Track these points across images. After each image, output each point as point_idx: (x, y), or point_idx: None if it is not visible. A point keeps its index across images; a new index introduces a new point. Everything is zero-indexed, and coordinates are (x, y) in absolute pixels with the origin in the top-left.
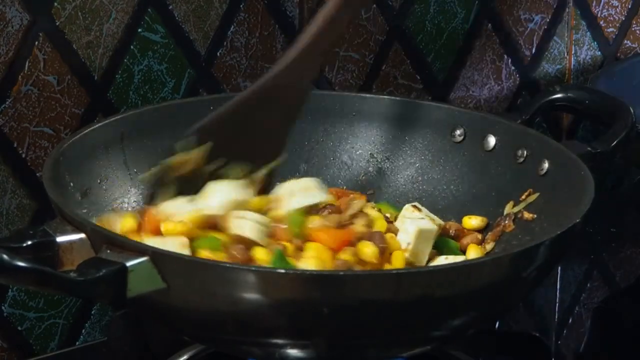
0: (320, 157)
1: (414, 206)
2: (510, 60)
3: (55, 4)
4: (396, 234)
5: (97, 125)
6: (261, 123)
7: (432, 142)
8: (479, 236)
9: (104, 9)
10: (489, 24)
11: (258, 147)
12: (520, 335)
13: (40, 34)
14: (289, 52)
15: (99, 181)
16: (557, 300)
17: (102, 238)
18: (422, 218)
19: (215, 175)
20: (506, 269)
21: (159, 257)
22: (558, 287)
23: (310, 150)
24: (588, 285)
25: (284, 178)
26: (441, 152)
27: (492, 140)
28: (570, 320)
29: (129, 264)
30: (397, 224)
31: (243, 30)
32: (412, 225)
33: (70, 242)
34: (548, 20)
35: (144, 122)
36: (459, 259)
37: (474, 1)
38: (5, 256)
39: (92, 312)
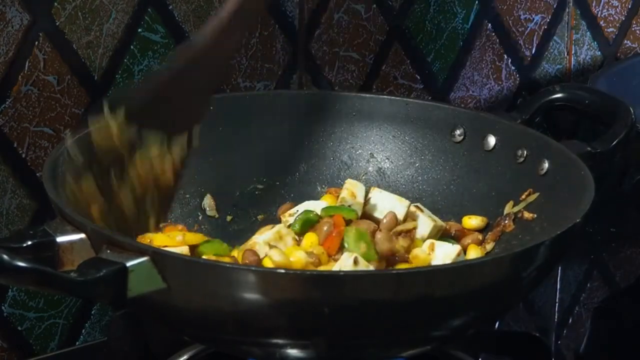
0: (320, 157)
1: (417, 206)
2: (510, 60)
3: (55, 4)
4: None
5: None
6: (180, 92)
7: (432, 142)
8: (480, 236)
9: (104, 9)
10: (489, 24)
11: (176, 115)
12: (520, 335)
13: (40, 34)
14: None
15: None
16: (557, 300)
17: (102, 238)
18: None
19: (134, 150)
20: (506, 269)
21: (159, 257)
22: (558, 287)
23: (310, 150)
24: (588, 285)
25: (285, 177)
26: (441, 152)
27: (492, 140)
28: (570, 320)
29: (129, 264)
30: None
31: None
32: (427, 222)
33: (71, 242)
34: (548, 20)
35: None
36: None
37: (474, 1)
38: (5, 256)
39: (92, 312)
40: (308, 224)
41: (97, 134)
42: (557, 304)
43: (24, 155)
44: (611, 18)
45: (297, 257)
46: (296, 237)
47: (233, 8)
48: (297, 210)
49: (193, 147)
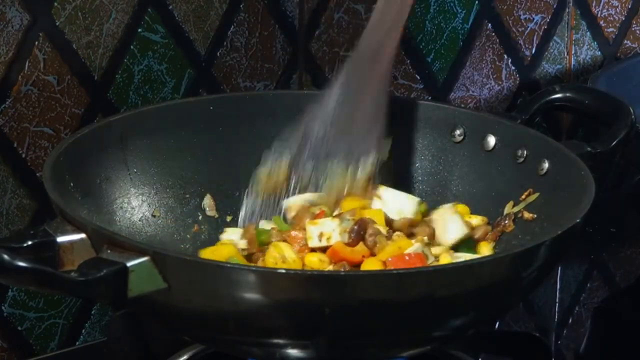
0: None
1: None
2: (510, 60)
3: (55, 4)
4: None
5: (97, 125)
6: (351, 116)
7: (432, 142)
8: (489, 228)
9: (104, 9)
10: (489, 24)
11: (353, 142)
12: (520, 335)
13: (40, 34)
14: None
15: (98, 181)
16: (557, 300)
17: (103, 238)
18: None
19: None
20: (506, 269)
21: (159, 257)
22: (558, 287)
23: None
24: (588, 285)
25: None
26: (441, 152)
27: (492, 140)
28: (570, 320)
29: (129, 264)
30: (435, 221)
31: (243, 30)
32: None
33: (71, 242)
34: (548, 20)
35: (144, 122)
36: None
37: (474, 1)
38: (5, 256)
39: (92, 312)
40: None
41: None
42: (557, 304)
43: (24, 155)
44: (611, 18)
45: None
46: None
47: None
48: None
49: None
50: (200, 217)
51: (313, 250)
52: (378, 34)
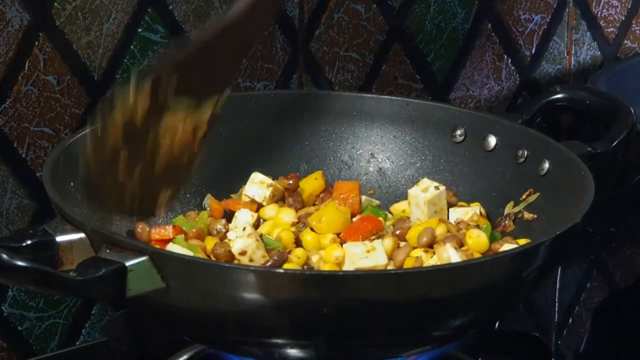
0: (321, 157)
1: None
2: (510, 60)
3: (55, 4)
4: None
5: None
6: (210, 59)
7: (432, 142)
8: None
9: (104, 9)
10: (489, 24)
11: (205, 81)
12: (520, 335)
13: (40, 34)
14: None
15: None
16: (557, 300)
17: (102, 238)
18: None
19: (157, 120)
20: (506, 269)
21: (158, 257)
22: (558, 287)
23: (310, 150)
24: (588, 285)
25: (286, 178)
26: (442, 152)
27: (492, 141)
28: (570, 320)
29: (128, 263)
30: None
31: None
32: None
33: (70, 242)
34: (548, 20)
35: None
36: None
37: (474, 1)
38: (5, 256)
39: (92, 312)
40: None
41: (121, 108)
42: (557, 304)
43: (24, 155)
44: (611, 18)
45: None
46: None
47: None
48: None
49: (218, 113)
50: None
51: None
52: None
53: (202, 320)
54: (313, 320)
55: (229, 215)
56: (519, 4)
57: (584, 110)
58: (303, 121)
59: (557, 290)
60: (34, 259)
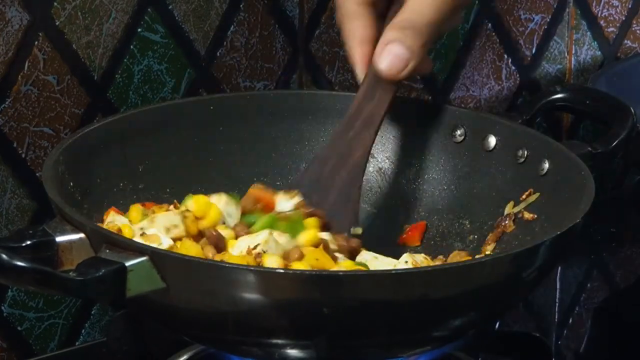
0: None
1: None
2: (510, 60)
3: (55, 4)
4: None
5: (97, 125)
6: (334, 186)
7: (432, 142)
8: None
9: (104, 9)
10: (489, 24)
11: (335, 213)
12: (520, 335)
13: (40, 34)
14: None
15: (99, 181)
16: (557, 300)
17: (102, 238)
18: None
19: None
20: (506, 269)
21: (158, 257)
22: (558, 287)
23: (310, 150)
24: (588, 285)
25: (285, 178)
26: (441, 152)
27: (492, 141)
28: (570, 320)
29: (128, 263)
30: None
31: (243, 30)
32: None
33: (70, 242)
34: (548, 20)
35: (144, 122)
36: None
37: (474, 1)
38: (4, 256)
39: (92, 312)
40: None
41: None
42: (557, 304)
43: (23, 155)
44: (611, 18)
45: None
46: None
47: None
48: None
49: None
50: None
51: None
52: (350, 131)
53: (202, 320)
54: (313, 320)
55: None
56: (519, 4)
57: (584, 110)
58: (303, 121)
59: (557, 290)
60: (33, 259)
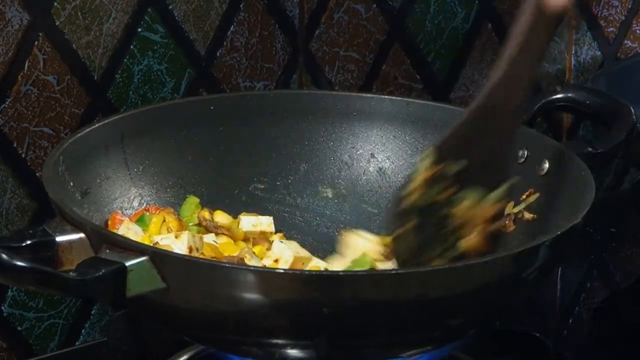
0: (321, 157)
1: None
2: None
3: (55, 4)
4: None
5: (97, 125)
6: (482, 145)
7: (432, 142)
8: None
9: (104, 9)
10: (489, 24)
11: (484, 171)
12: (520, 335)
13: (40, 34)
14: (494, 71)
15: (99, 181)
16: (557, 300)
17: (102, 238)
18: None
19: (450, 202)
20: (506, 269)
21: (158, 257)
22: (558, 287)
23: (310, 150)
24: (588, 285)
25: (285, 178)
26: None
27: None
28: (570, 320)
29: (128, 263)
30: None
31: (243, 30)
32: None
33: (70, 242)
34: None
35: (144, 122)
36: None
37: (474, 1)
38: (4, 256)
39: (92, 312)
40: None
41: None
42: (557, 304)
43: (23, 155)
44: (611, 18)
45: None
46: None
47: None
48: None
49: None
50: None
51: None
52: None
53: (202, 320)
54: (313, 320)
55: None
56: (519, 4)
57: (584, 110)
58: (303, 121)
59: (557, 290)
60: (33, 259)
